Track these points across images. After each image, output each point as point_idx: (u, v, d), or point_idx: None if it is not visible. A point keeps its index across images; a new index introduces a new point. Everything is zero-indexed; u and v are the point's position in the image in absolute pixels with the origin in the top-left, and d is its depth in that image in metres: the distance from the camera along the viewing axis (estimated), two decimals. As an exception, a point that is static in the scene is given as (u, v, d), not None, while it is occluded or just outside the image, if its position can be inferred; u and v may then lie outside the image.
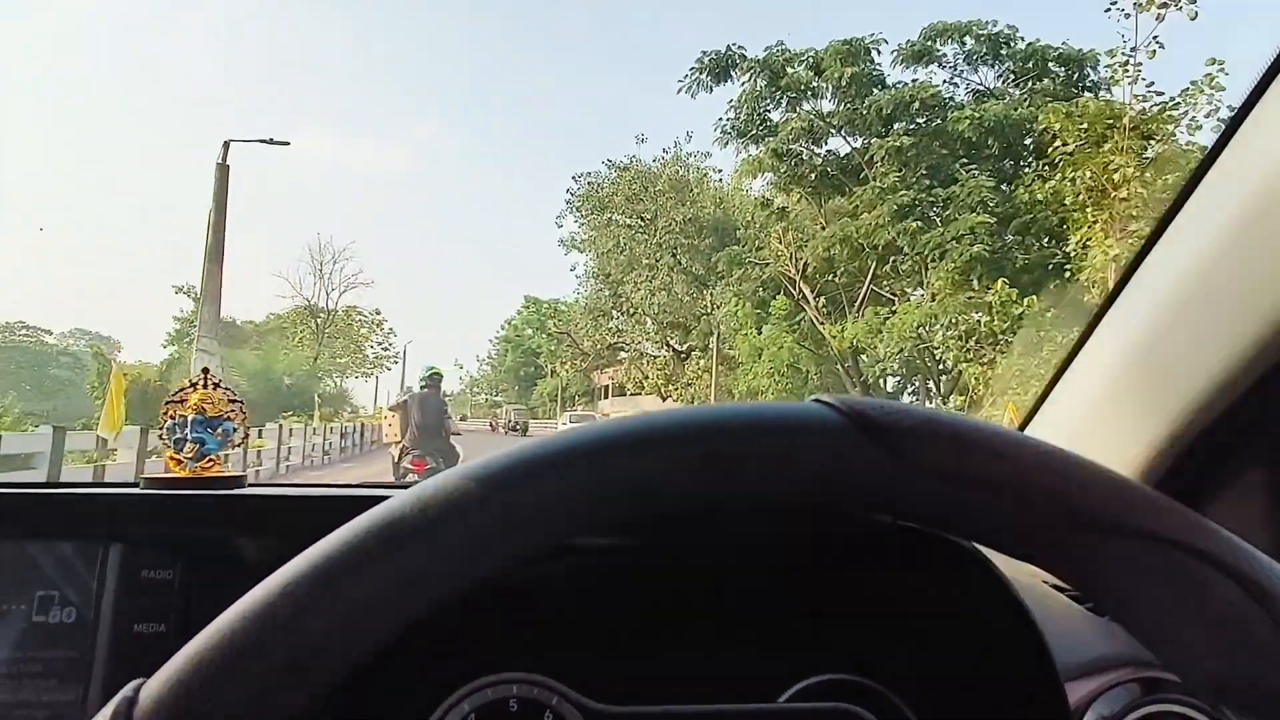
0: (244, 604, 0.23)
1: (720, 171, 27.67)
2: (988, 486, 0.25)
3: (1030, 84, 14.87)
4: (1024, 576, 0.55)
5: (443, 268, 79.12)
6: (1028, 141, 14.12)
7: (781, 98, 16.30)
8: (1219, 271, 0.54)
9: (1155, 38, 9.20)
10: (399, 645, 0.24)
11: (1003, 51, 15.22)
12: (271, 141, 10.38)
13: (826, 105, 16.26)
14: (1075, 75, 14.68)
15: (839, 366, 17.06)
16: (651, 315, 25.88)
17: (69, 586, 0.55)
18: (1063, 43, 14.94)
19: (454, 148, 75.79)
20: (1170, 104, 9.30)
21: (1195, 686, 0.26)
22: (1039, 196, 10.85)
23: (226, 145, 9.27)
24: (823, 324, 16.77)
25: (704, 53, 16.91)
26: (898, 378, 16.85)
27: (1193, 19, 8.90)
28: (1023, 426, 0.80)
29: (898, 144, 13.96)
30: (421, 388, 6.45)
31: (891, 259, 14.47)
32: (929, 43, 15.37)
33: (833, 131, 16.24)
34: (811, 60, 15.74)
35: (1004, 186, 13.43)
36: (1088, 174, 9.14)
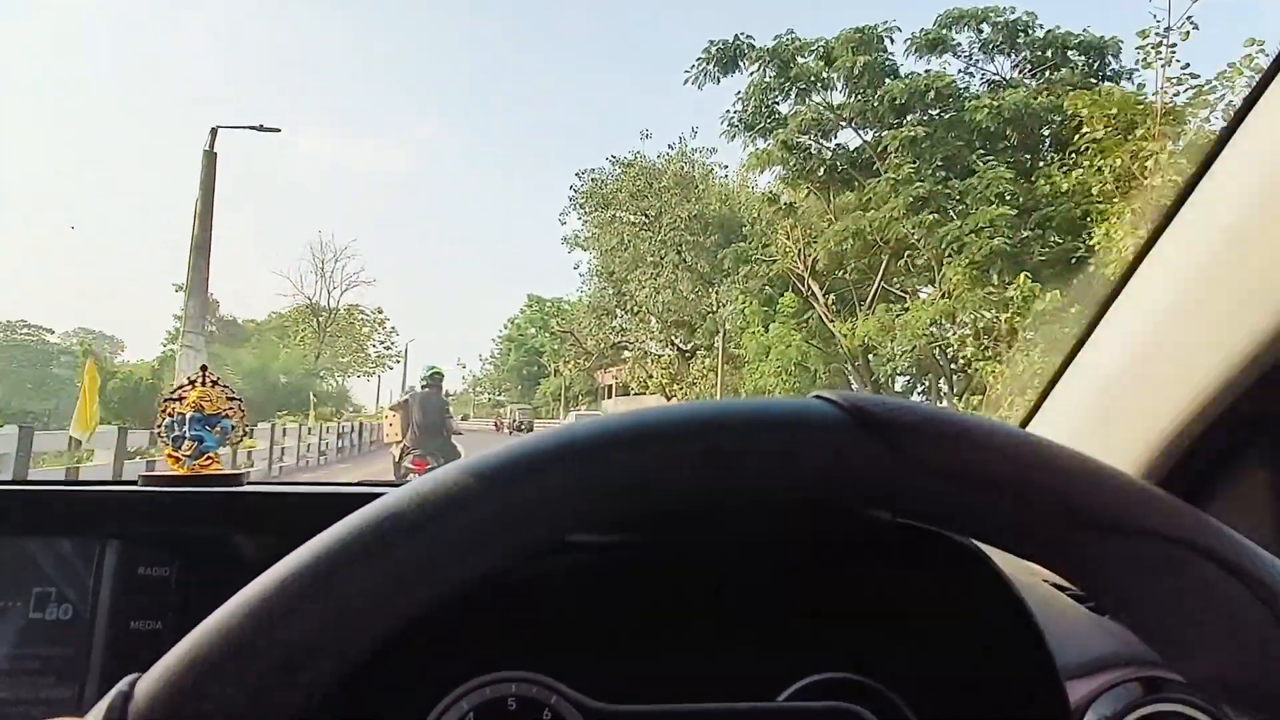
0: (240, 600, 0.23)
1: (726, 167, 27.39)
2: (989, 484, 0.25)
3: (1047, 74, 14.37)
4: (1024, 575, 0.55)
5: (443, 267, 79.09)
6: (1046, 132, 13.64)
7: (791, 89, 15.84)
8: (1220, 268, 0.54)
9: (1189, 18, 8.73)
10: (397, 643, 0.24)
11: (1019, 39, 14.70)
12: (262, 128, 9.95)
13: (837, 97, 15.81)
14: (1096, 64, 14.17)
15: (849, 365, 16.62)
16: (656, 314, 25.53)
17: (66, 583, 0.55)
18: (1083, 29, 14.42)
19: (454, 148, 75.70)
20: (1206, 87, 8.82)
21: (1198, 685, 0.27)
22: (1064, 187, 10.37)
23: (214, 132, 8.87)
24: (832, 321, 16.32)
25: (711, 42, 16.48)
26: (907, 377, 16.39)
27: (1230, -4, 8.42)
28: (1024, 424, 0.78)
29: (912, 134, 13.46)
30: (423, 387, 6.43)
31: (906, 253, 14.00)
32: (944, 30, 14.85)
33: (843, 124, 15.77)
34: (822, 50, 15.26)
35: (1023, 178, 12.92)
36: (1118, 161, 8.67)
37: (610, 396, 37.17)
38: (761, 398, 0.29)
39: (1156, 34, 8.93)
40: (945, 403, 15.09)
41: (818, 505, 0.52)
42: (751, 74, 16.25)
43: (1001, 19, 14.71)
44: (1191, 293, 0.57)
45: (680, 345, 26.65)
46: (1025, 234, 12.17)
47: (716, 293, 21.99)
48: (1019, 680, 0.51)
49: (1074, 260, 11.27)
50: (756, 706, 0.54)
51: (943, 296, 13.25)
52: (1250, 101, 0.52)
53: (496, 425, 35.41)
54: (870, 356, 16.07)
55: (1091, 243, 9.62)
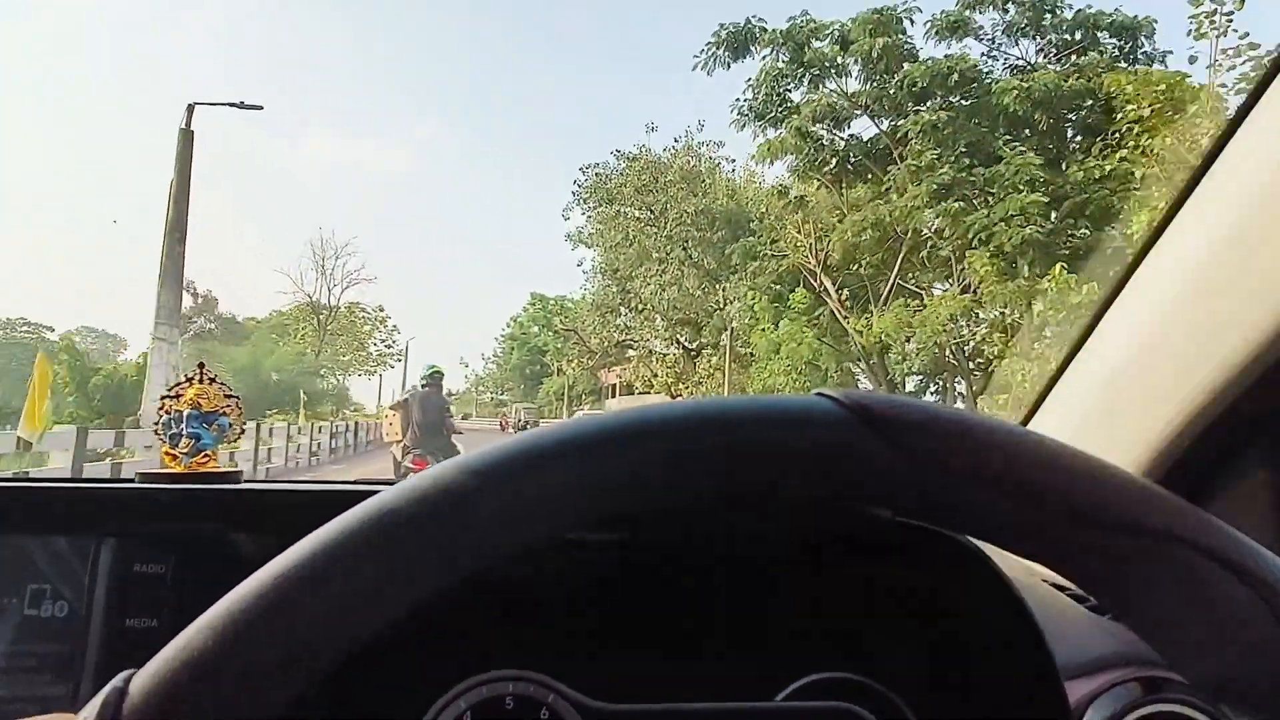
0: (235, 596, 0.23)
1: (734, 161, 26.72)
2: (991, 482, 0.25)
3: (1074, 57, 13.63)
4: (1024, 574, 0.55)
5: (444, 267, 78.85)
6: (1074, 117, 12.92)
7: (804, 75, 15.14)
8: (1221, 269, 0.54)
9: (1248, -16, 8.03)
10: (395, 641, 0.25)
11: (1046, 21, 13.97)
12: (243, 105, 9.32)
13: (852, 85, 15.11)
14: (1129, 46, 13.43)
15: (863, 363, 15.95)
16: (661, 311, 24.92)
17: (61, 580, 0.55)
18: (1114, 9, 13.70)
19: (454, 147, 75.41)
20: (1268, 59, 8.09)
21: (1198, 685, 0.26)
22: (1099, 173, 9.67)
23: (190, 109, 8.26)
24: (846, 318, 15.63)
25: (721, 25, 15.80)
26: (920, 376, 15.70)
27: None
28: (1025, 422, 0.78)
29: (934, 120, 12.73)
30: (422, 386, 6.42)
31: (929, 245, 13.29)
32: (966, 11, 14.11)
33: (857, 113, 15.07)
34: (838, 33, 14.53)
35: (1051, 165, 12.19)
36: (1165, 141, 7.98)
37: (614, 396, 36.63)
38: (764, 395, 0.28)
39: (1210, 1, 8.23)
40: (962, 403, 14.44)
41: (818, 503, 0.52)
42: (764, 58, 15.56)
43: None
44: (1192, 292, 0.57)
45: (685, 344, 26.09)
46: (1055, 224, 11.45)
47: (723, 290, 21.35)
48: (1019, 680, 0.51)
49: (1111, 251, 10.57)
50: (755, 706, 0.54)
51: (963, 291, 12.59)
52: (1253, 99, 0.52)
53: (501, 425, 35.10)
54: (885, 355, 15.39)
55: (1130, 231, 8.94)
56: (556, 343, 38.91)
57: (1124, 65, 12.61)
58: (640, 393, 30.07)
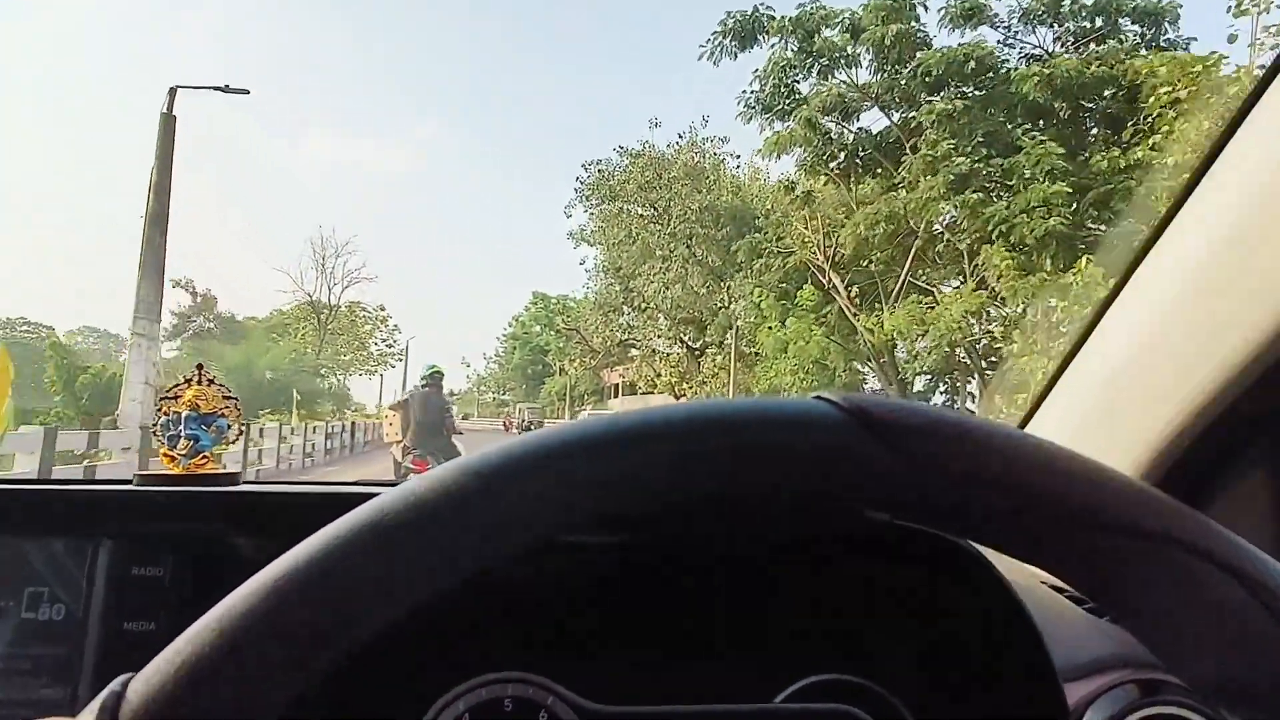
0: (234, 600, 0.23)
1: (738, 157, 26.32)
2: (990, 485, 0.25)
3: (1093, 45, 13.13)
4: (1022, 577, 0.55)
5: (444, 267, 78.73)
6: (1092, 105, 12.43)
7: (813, 65, 14.67)
8: (1222, 267, 0.54)
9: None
10: (394, 643, 0.25)
11: (1064, 7, 13.46)
12: (227, 89, 8.88)
13: (862, 76, 14.64)
14: (1152, 33, 12.93)
15: (873, 363, 15.50)
16: (664, 310, 24.55)
17: (59, 583, 0.55)
18: (1137, -5, 13.19)
19: (454, 147, 75.23)
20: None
21: (1196, 687, 0.26)
22: (1135, 157, 9.18)
23: (172, 92, 7.82)
24: (856, 316, 15.18)
25: (729, 13, 15.29)
26: (929, 375, 15.24)
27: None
28: (1022, 425, 0.78)
29: (949, 109, 12.25)
30: (422, 386, 6.40)
31: (945, 238, 12.81)
32: (981, -2, 13.63)
33: (867, 105, 14.60)
34: (848, 21, 14.05)
35: (1073, 155, 11.69)
36: (1204, 125, 7.52)
37: (617, 395, 36.28)
38: (764, 398, 0.28)
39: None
40: (973, 404, 13.98)
41: (816, 506, 0.52)
42: (772, 46, 15.08)
43: (1047, -16, 13.48)
44: (1192, 292, 0.57)
45: (689, 343, 25.72)
46: (1074, 216, 10.94)
47: (728, 288, 20.94)
48: (1017, 682, 0.51)
49: (1140, 243, 10.07)
50: (754, 708, 0.54)
51: (978, 286, 12.14)
52: (1254, 97, 0.51)
53: (505, 425, 34.97)
54: (896, 353, 14.93)
55: (1159, 222, 8.46)
56: (559, 342, 38.60)
57: (1145, 54, 12.13)
58: (643, 393, 29.76)
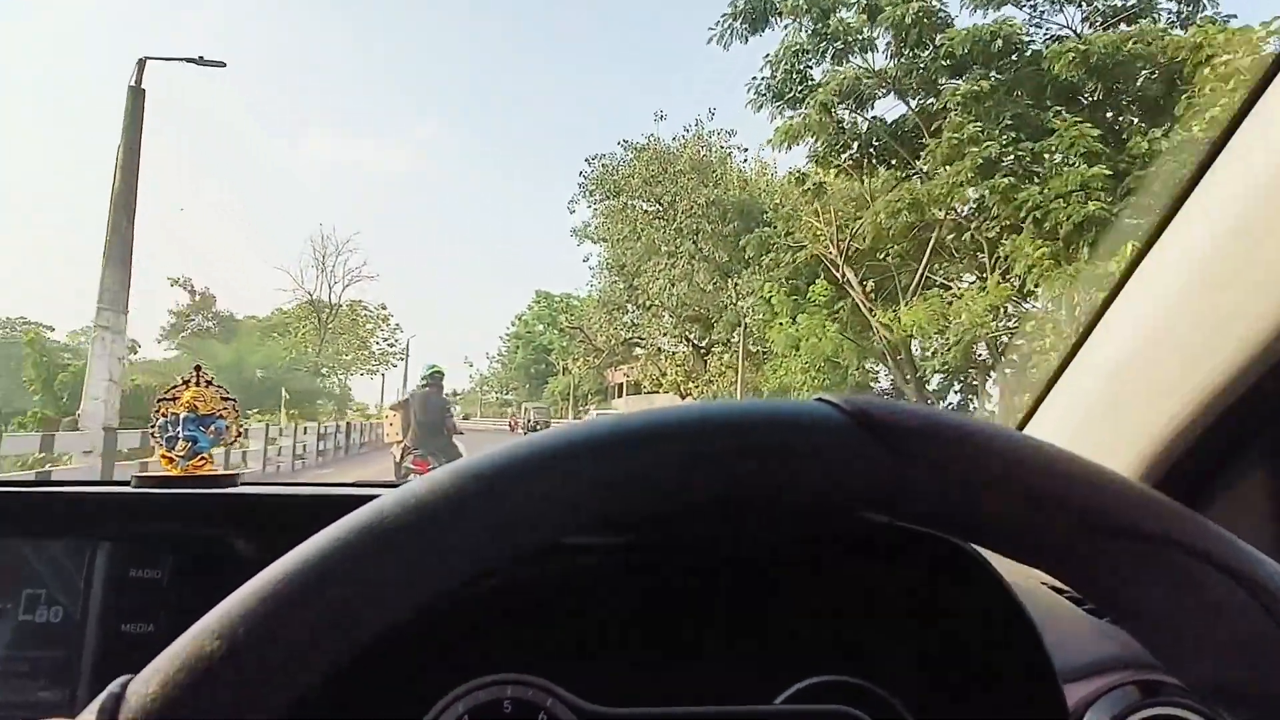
0: (233, 601, 0.23)
1: (746, 150, 25.73)
2: (990, 487, 0.25)
3: (1126, 25, 12.40)
4: (1022, 578, 0.55)
5: (445, 266, 78.42)
6: (1126, 86, 11.71)
7: (827, 49, 13.97)
8: (1224, 263, 0.54)
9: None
10: (393, 644, 0.25)
11: (1095, -16, 12.75)
12: (202, 61, 8.26)
13: (878, 61, 13.94)
14: (1189, 10, 12.19)
15: (889, 360, 14.82)
16: (670, 308, 23.96)
17: (57, 585, 0.55)
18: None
19: (454, 147, 74.90)
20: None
21: (1196, 688, 0.26)
22: (1185, 134, 8.46)
23: (141, 63, 7.21)
24: (871, 311, 14.50)
25: (739, -7, 14.59)
26: (944, 374, 14.54)
27: None
28: (1021, 426, 0.78)
29: (975, 89, 11.55)
30: (423, 386, 6.34)
31: (973, 226, 12.09)
32: (1007, -26, 12.90)
33: (881, 92, 13.90)
34: (865, 2, 13.33)
35: (1109, 138, 10.96)
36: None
37: (622, 395, 35.74)
38: (766, 400, 0.28)
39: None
40: (991, 405, 13.31)
41: (817, 508, 0.51)
42: (786, 27, 14.39)
43: (1077, -40, 12.74)
44: (1194, 288, 0.56)
45: (695, 341, 25.14)
46: (1110, 202, 10.23)
47: (736, 284, 20.32)
48: (1017, 683, 0.51)
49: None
50: (754, 709, 0.54)
51: (1002, 278, 11.46)
52: (1256, 93, 0.51)
53: (511, 426, 34.30)
54: (912, 350, 14.25)
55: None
56: (562, 341, 38.11)
57: (1180, 32, 11.42)
58: (648, 392, 29.25)
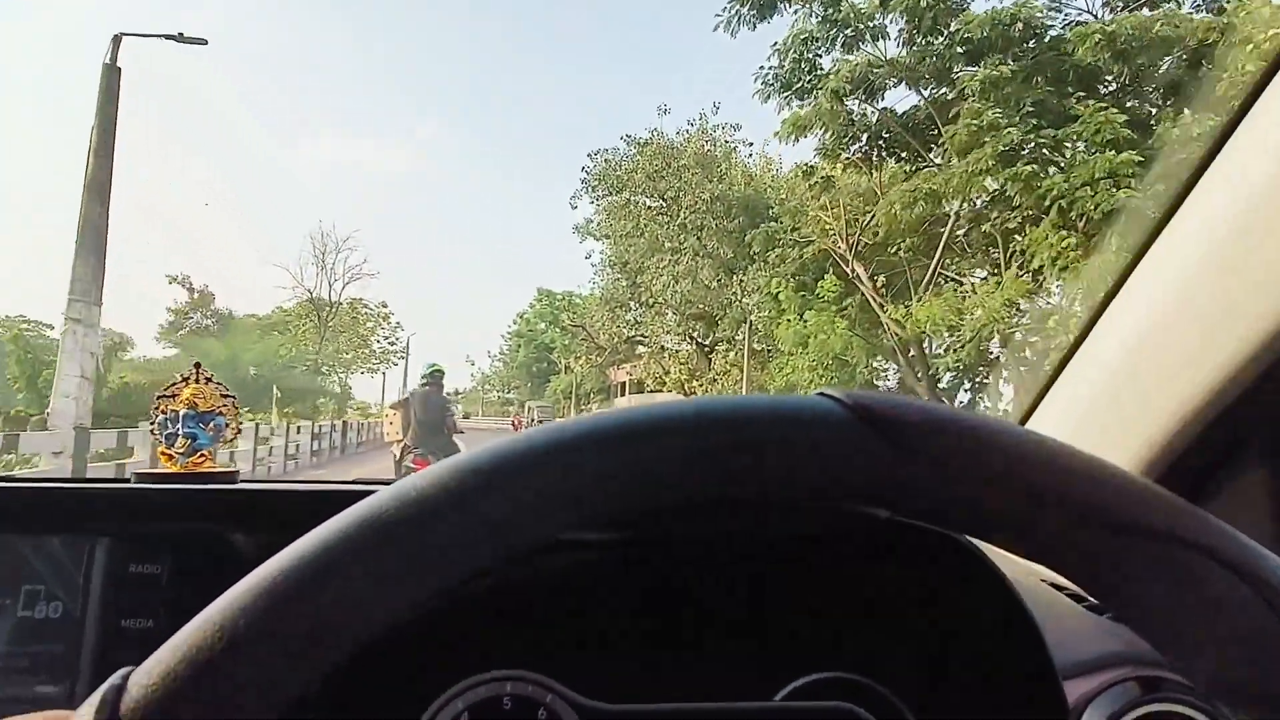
0: (235, 594, 0.23)
1: (751, 144, 25.31)
2: (992, 483, 0.25)
3: (1148, 10, 11.92)
4: (1022, 574, 0.55)
5: (445, 266, 78.16)
6: (1151, 70, 11.24)
7: (837, 36, 13.51)
8: (1226, 259, 0.54)
9: None
10: (393, 641, 0.24)
11: (1117, -34, 12.28)
12: (181, 38, 7.83)
13: (890, 51, 13.48)
14: (1217, -9, 11.69)
15: (899, 357, 14.38)
16: (673, 306, 23.54)
17: (56, 581, 0.55)
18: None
19: (454, 147, 74.57)
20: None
21: (1198, 685, 0.26)
22: (1216, 121, 7.99)
23: (117, 40, 6.85)
24: (882, 306, 14.05)
25: (747, -22, 14.15)
26: (954, 372, 14.10)
27: None
28: (1023, 421, 0.77)
29: (994, 75, 11.08)
30: (423, 385, 6.34)
31: (988, 219, 11.63)
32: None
33: (893, 81, 13.44)
34: (877, -14, 12.86)
35: (1134, 125, 10.48)
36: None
37: (624, 394, 35.34)
38: (765, 395, 0.29)
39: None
40: (1004, 404, 12.92)
41: (817, 503, 0.51)
42: (795, 11, 13.93)
43: (1098, -59, 12.26)
44: (1195, 284, 0.56)
45: (699, 339, 24.73)
46: (1141, 190, 9.75)
47: (741, 281, 19.86)
48: (1017, 680, 0.51)
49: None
50: (753, 706, 0.53)
51: (1020, 272, 11.02)
52: (1255, 91, 0.51)
53: (515, 424, 33.92)
54: (924, 348, 13.81)
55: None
56: (564, 339, 37.71)
57: (1205, 15, 10.94)
58: (651, 390, 28.86)
